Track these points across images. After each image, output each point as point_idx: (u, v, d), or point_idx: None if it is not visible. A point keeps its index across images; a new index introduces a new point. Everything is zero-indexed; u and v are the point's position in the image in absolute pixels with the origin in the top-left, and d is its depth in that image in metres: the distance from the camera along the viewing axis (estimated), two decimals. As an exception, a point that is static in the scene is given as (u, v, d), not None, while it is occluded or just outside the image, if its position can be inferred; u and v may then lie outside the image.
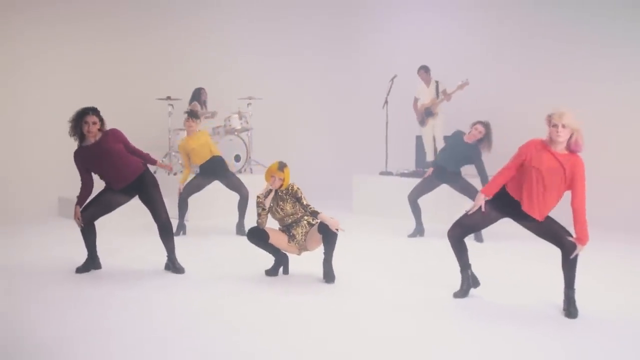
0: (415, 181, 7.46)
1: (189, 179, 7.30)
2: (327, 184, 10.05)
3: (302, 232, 5.25)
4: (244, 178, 7.55)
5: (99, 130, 5.23)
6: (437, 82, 8.74)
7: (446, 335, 3.98)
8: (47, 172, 8.65)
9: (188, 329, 4.04)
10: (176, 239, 5.64)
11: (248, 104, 9.41)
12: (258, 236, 5.21)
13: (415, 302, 4.64)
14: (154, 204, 5.37)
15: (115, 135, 5.33)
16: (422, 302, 4.65)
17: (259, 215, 5.18)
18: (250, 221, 6.12)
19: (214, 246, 6.71)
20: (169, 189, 7.68)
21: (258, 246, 5.29)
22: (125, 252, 6.30)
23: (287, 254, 5.44)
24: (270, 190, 5.17)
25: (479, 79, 8.70)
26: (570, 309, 4.32)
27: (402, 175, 8.86)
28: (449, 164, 7.03)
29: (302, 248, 5.32)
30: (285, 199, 5.20)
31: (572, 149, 4.23)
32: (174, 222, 5.95)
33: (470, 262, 4.76)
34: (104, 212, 5.47)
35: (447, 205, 7.70)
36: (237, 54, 10.45)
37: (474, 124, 6.83)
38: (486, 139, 6.77)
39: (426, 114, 8.84)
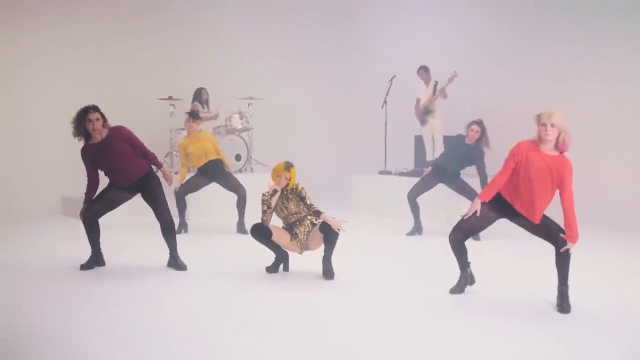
0: (414, 180, 7.53)
1: (187, 177, 7.40)
2: (327, 183, 10.09)
3: (304, 231, 5.32)
4: (244, 177, 7.62)
5: (103, 126, 5.29)
6: (436, 82, 8.83)
7: (443, 331, 4.07)
8: (50, 171, 8.73)
9: (191, 325, 4.12)
10: (178, 237, 5.73)
11: (249, 104, 9.49)
12: (261, 233, 5.28)
13: (413, 299, 4.72)
14: (157, 203, 5.47)
15: (123, 134, 5.38)
16: (419, 299, 4.73)
17: (264, 212, 5.23)
18: (250, 220, 6.20)
19: (215, 244, 6.79)
20: (169, 187, 7.72)
21: (261, 242, 5.36)
22: (129, 250, 6.39)
23: (289, 252, 5.53)
24: (276, 190, 5.22)
25: (478, 79, 8.77)
26: (563, 305, 4.41)
27: (401, 174, 8.93)
28: (450, 165, 7.13)
29: (304, 247, 5.39)
30: (289, 198, 5.26)
31: (559, 148, 4.34)
32: (176, 221, 6.03)
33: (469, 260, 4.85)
34: (108, 209, 5.56)
35: (445, 204, 7.79)
36: (238, 54, 10.51)
37: (469, 125, 6.92)
38: (483, 136, 6.89)
39: (425, 112, 8.93)
